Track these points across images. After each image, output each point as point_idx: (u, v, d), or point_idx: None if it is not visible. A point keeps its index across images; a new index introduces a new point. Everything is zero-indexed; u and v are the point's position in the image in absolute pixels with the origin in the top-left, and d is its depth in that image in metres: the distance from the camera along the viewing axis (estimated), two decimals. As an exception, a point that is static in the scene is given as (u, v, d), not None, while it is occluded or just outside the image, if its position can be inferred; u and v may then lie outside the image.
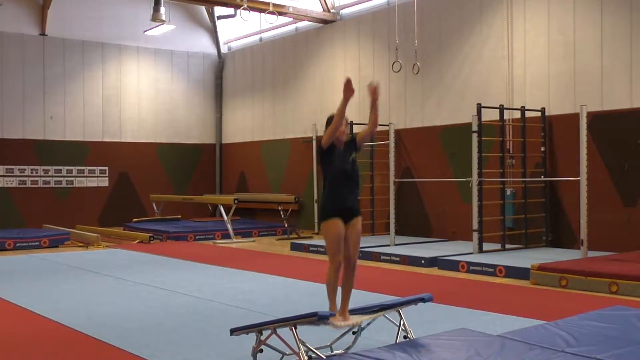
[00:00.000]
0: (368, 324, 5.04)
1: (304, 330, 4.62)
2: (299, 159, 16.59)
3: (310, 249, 12.18)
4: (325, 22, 15.81)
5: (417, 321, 5.73)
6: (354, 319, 4.79)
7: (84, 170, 17.28)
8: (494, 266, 9.08)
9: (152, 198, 17.17)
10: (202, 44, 19.22)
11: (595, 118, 10.43)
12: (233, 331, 4.77)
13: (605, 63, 10.59)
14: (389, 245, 11.47)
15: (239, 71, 19.01)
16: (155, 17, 15.08)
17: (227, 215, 14.25)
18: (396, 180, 12.10)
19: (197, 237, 14.63)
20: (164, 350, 5.16)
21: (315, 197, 15.68)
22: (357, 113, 13.11)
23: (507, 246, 10.80)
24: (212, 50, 19.43)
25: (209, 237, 14.66)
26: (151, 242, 13.56)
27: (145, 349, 5.20)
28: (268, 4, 14.16)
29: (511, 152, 11.50)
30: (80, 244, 13.41)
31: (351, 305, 4.95)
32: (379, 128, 13.28)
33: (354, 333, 4.96)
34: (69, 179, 17.06)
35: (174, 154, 18.72)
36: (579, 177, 9.45)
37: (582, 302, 7.02)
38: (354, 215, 5.04)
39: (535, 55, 11.54)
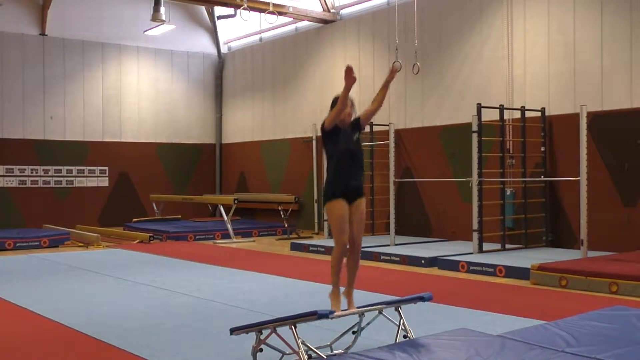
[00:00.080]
0: (368, 323, 5.04)
1: (303, 330, 4.62)
2: (299, 159, 16.59)
3: (310, 249, 12.18)
4: (325, 22, 15.81)
5: (417, 321, 5.73)
6: (353, 308, 4.85)
7: (84, 170, 17.28)
8: (494, 266, 9.08)
9: (152, 198, 17.17)
10: (202, 44, 19.22)
11: (595, 118, 10.43)
12: (233, 331, 4.77)
13: (605, 63, 10.59)
14: (389, 245, 11.48)
15: (239, 71, 19.01)
16: (155, 17, 15.08)
17: (227, 215, 14.26)
18: (396, 180, 12.10)
19: (197, 237, 14.63)
20: (164, 350, 5.16)
21: (315, 197, 15.69)
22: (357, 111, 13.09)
23: (507, 246, 10.80)
24: (212, 50, 19.43)
25: (209, 237, 14.66)
26: (151, 242, 13.57)
27: (145, 349, 5.20)
28: (268, 4, 14.16)
29: (511, 152, 11.50)
30: (80, 244, 13.41)
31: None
32: (379, 128, 13.44)
33: (354, 333, 4.97)
34: (69, 179, 17.06)
35: (174, 154, 18.73)
36: (579, 177, 9.45)
37: (582, 302, 7.02)
38: (358, 195, 5.05)
39: (535, 55, 11.54)
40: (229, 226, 14.23)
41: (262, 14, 14.50)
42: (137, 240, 13.77)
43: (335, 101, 5.05)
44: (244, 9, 13.88)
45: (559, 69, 11.18)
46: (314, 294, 7.59)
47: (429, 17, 13.18)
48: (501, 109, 10.98)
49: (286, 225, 15.28)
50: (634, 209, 10.18)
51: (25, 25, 16.54)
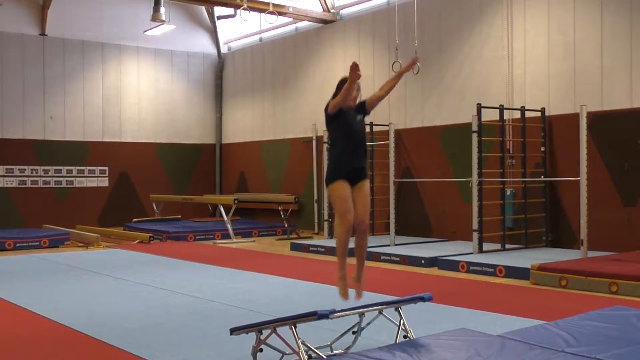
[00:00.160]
0: (368, 323, 5.04)
1: (303, 330, 4.62)
2: (299, 159, 16.59)
3: (310, 249, 12.18)
4: (325, 22, 15.81)
5: (417, 321, 5.73)
6: (360, 293, 4.93)
7: (84, 170, 17.28)
8: (494, 266, 9.07)
9: (152, 198, 17.17)
10: (202, 44, 19.22)
11: (595, 118, 10.43)
12: (233, 331, 4.77)
13: (605, 63, 10.59)
14: (389, 245, 11.47)
15: (239, 71, 19.01)
16: (155, 17, 15.08)
17: (227, 215, 14.25)
18: (396, 180, 12.10)
19: (197, 237, 14.62)
20: (164, 350, 5.16)
21: (316, 197, 15.68)
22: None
23: (507, 246, 10.80)
24: (212, 50, 19.43)
25: (209, 237, 14.65)
26: (151, 242, 13.56)
27: (145, 349, 5.20)
28: (268, 4, 14.16)
29: (511, 152, 11.50)
30: (80, 244, 13.41)
31: (351, 305, 4.96)
32: (379, 128, 13.43)
33: (354, 333, 4.97)
34: (69, 179, 17.06)
35: (174, 154, 18.72)
36: (579, 177, 9.45)
37: (582, 302, 7.02)
38: (361, 177, 5.03)
39: (535, 55, 11.54)
40: (229, 226, 14.23)
41: (262, 14, 14.51)
42: (137, 241, 13.77)
43: (341, 82, 5.06)
44: (244, 9, 13.88)
45: (559, 69, 11.18)
46: (314, 294, 7.60)
47: (429, 17, 13.18)
48: (501, 109, 10.98)
49: (286, 226, 15.28)
50: (634, 209, 10.17)
51: (25, 25, 16.54)
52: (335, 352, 4.85)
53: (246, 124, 18.69)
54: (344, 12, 15.67)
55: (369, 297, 6.62)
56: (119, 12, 17.66)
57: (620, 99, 10.40)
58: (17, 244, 12.73)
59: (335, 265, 5.32)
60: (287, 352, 4.49)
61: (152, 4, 15.07)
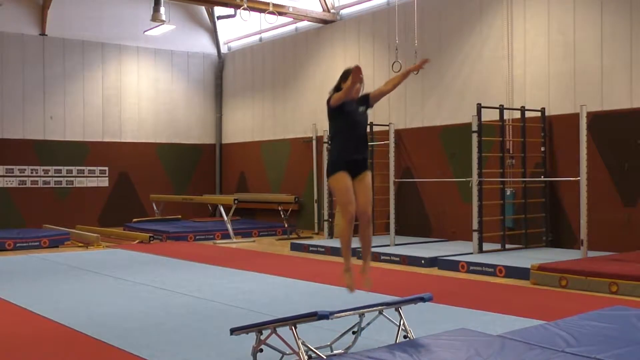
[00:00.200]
0: (368, 324, 5.04)
1: (303, 330, 4.62)
2: (299, 159, 16.59)
3: (310, 249, 12.18)
4: (325, 22, 15.81)
5: (417, 321, 5.73)
6: (369, 284, 4.94)
7: (84, 170, 17.28)
8: (494, 266, 9.07)
9: (152, 198, 17.17)
10: (202, 44, 19.22)
11: (595, 118, 10.43)
12: (233, 331, 4.77)
13: (605, 63, 10.59)
14: (389, 245, 11.47)
15: (239, 71, 19.01)
16: (155, 17, 15.09)
17: (227, 215, 14.25)
18: (396, 180, 12.10)
19: (197, 237, 14.62)
20: (164, 350, 5.16)
21: (316, 197, 15.68)
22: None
23: (507, 246, 10.80)
24: (212, 50, 19.43)
25: (209, 237, 14.65)
26: (151, 242, 13.56)
27: (145, 349, 5.20)
28: (268, 4, 14.16)
29: (511, 152, 11.50)
30: (80, 244, 13.41)
31: (351, 305, 4.95)
32: (379, 128, 13.43)
33: (354, 333, 4.96)
34: (69, 179, 17.06)
35: (174, 154, 18.72)
36: (579, 177, 9.45)
37: (582, 302, 7.02)
38: (362, 169, 5.02)
39: (535, 55, 11.54)
40: (229, 226, 14.23)
41: (262, 14, 14.51)
42: (137, 241, 13.77)
43: (345, 73, 5.06)
44: (244, 9, 13.89)
45: (559, 69, 11.18)
46: (314, 294, 7.59)
47: (429, 17, 13.18)
48: (501, 109, 10.98)
49: (286, 226, 15.28)
50: (634, 209, 10.17)
51: (25, 25, 16.54)
52: (335, 352, 4.84)
53: (246, 124, 18.69)
54: (344, 12, 15.67)
55: (369, 297, 6.63)
56: (119, 12, 17.66)
57: (620, 99, 10.40)
58: (17, 244, 12.73)
59: (337, 266, 5.33)
60: (287, 352, 4.49)
61: (152, 4, 15.08)
